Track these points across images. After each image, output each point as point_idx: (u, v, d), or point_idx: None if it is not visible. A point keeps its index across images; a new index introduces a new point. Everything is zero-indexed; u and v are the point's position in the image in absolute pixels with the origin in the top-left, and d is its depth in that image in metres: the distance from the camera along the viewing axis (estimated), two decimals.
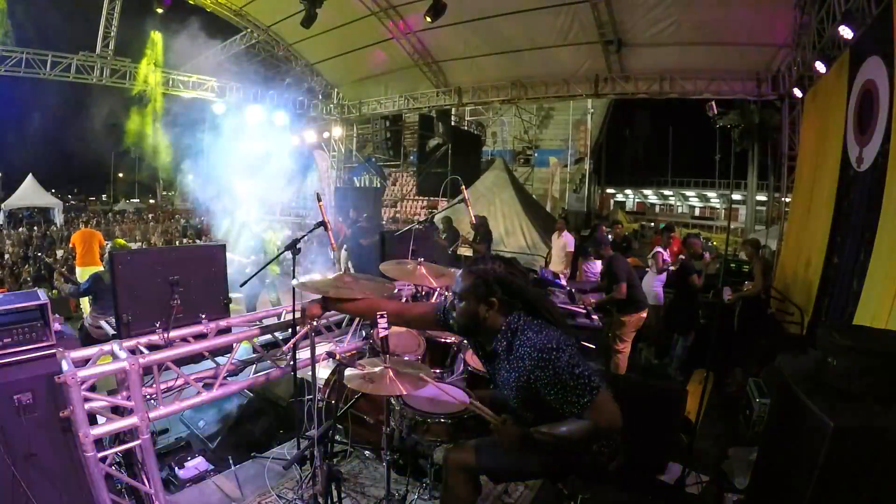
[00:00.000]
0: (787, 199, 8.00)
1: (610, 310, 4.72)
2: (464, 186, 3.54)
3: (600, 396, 1.62)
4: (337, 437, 2.80)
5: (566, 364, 1.64)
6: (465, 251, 8.91)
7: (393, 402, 2.46)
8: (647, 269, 5.91)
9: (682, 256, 6.18)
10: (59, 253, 12.69)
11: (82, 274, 7.20)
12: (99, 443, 2.05)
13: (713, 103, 3.00)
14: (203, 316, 2.71)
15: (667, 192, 35.09)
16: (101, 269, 7.14)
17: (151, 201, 37.24)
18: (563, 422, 1.69)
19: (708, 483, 3.15)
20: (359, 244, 8.57)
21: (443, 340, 3.11)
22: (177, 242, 15.75)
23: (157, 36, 12.15)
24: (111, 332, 3.19)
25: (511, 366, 1.77)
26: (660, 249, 5.83)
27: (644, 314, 4.79)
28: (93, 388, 2.10)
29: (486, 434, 2.00)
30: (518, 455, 1.87)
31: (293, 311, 2.74)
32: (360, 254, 8.48)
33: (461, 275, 1.86)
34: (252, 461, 3.05)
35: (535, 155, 22.46)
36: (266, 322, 3.05)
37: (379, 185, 17.89)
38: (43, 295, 2.08)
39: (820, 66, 5.71)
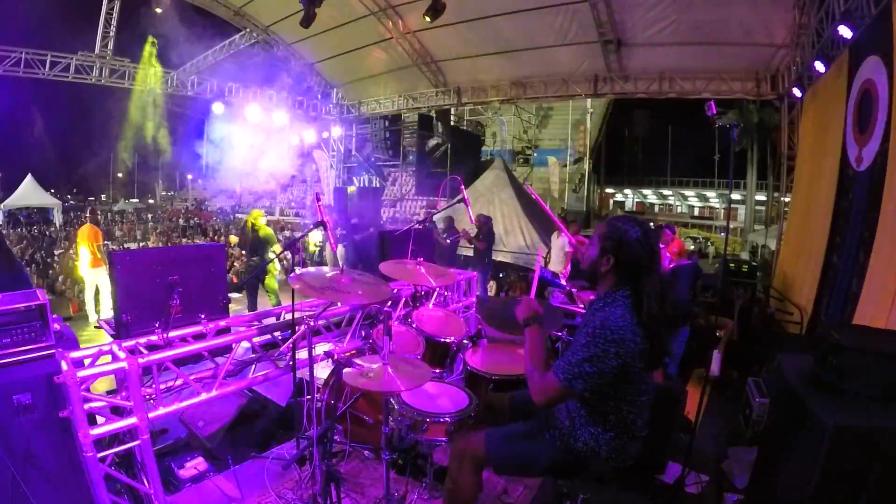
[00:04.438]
0: (787, 199, 8.00)
1: None
2: (463, 186, 3.53)
3: (565, 385, 1.69)
4: (336, 438, 2.80)
5: (608, 357, 1.65)
6: (466, 250, 8.93)
7: (392, 401, 2.46)
8: None
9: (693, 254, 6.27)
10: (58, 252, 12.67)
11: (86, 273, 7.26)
12: (98, 443, 2.04)
13: (712, 103, 2.99)
14: (202, 316, 2.71)
15: (666, 192, 35.13)
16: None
17: (151, 201, 37.24)
18: (542, 358, 1.83)
19: (708, 483, 3.15)
20: (353, 241, 9.48)
21: (442, 340, 3.10)
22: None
23: (156, 36, 12.17)
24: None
25: (586, 318, 1.83)
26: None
27: None
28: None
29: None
30: (525, 449, 1.90)
31: (292, 311, 2.74)
32: (357, 249, 9.32)
33: (604, 222, 1.92)
34: (251, 461, 3.04)
35: (535, 155, 22.53)
36: (265, 322, 3.04)
37: (378, 185, 17.89)
38: (42, 295, 2.08)
39: (819, 66, 5.71)
